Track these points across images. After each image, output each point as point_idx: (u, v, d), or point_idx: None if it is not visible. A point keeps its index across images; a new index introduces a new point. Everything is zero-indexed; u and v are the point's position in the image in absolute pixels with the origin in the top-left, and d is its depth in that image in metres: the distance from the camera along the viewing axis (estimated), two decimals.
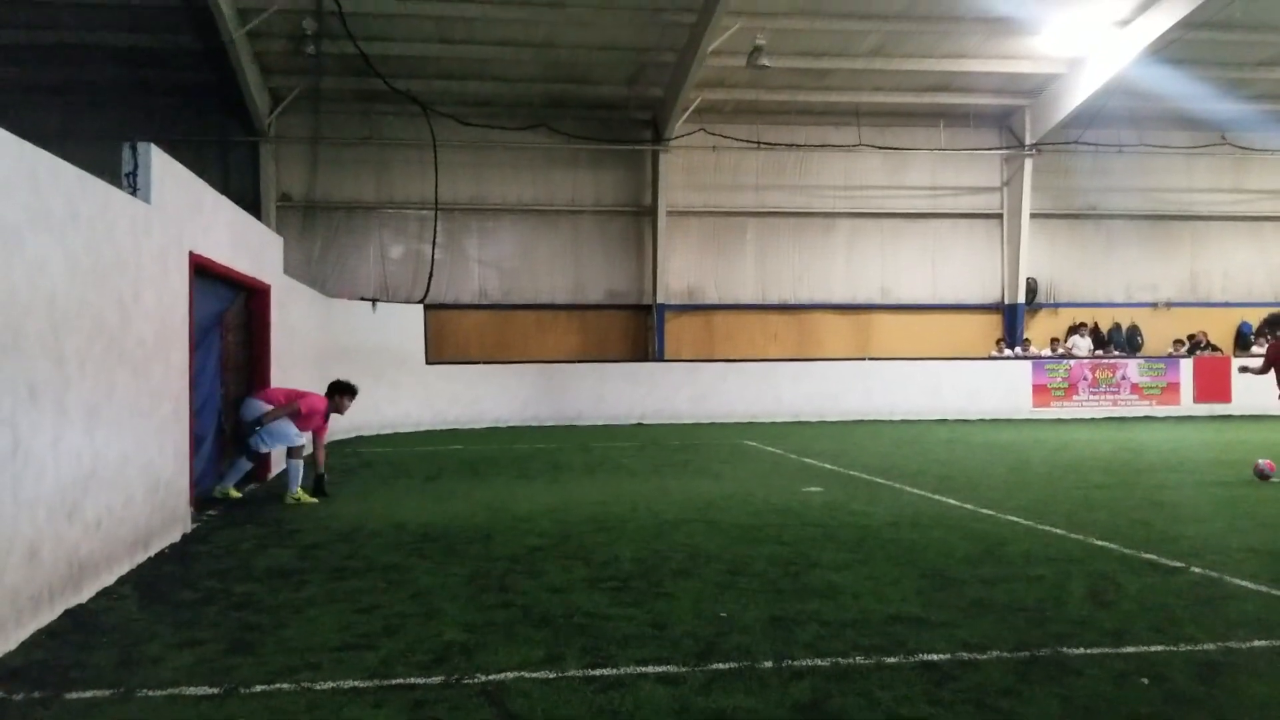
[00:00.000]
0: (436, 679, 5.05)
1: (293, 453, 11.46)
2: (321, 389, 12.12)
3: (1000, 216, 27.31)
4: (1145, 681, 4.95)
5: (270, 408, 11.35)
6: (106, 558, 7.09)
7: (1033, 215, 26.87)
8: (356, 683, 4.99)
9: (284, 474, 11.55)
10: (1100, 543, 8.36)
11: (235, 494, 11.28)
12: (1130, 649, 5.47)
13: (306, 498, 11.20)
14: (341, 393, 11.92)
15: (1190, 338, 26.50)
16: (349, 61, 21.71)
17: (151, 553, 8.11)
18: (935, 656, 5.34)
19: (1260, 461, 12.42)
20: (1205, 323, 27.31)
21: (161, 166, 8.53)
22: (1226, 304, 27.98)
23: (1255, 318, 27.35)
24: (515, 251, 25.72)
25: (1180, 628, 5.87)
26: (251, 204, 22.31)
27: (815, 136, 26.36)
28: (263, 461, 12.26)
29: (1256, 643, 5.57)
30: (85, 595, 6.66)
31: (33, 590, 5.88)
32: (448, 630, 5.86)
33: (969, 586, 6.88)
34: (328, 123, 24.31)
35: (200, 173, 10.05)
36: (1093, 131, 26.20)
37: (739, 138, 25.83)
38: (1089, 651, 5.43)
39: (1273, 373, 12.80)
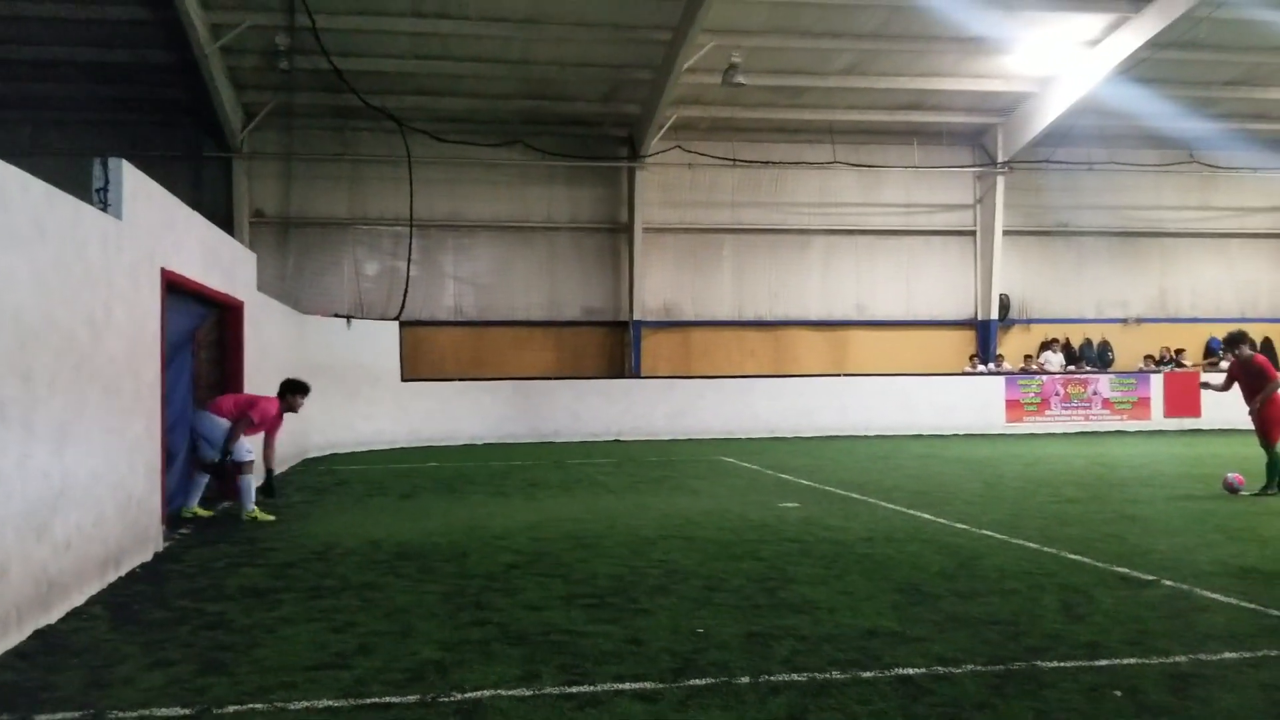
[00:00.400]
0: (412, 698, 5.02)
1: (243, 468, 11.27)
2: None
3: (973, 233, 27.51)
4: (1118, 694, 4.98)
5: (226, 422, 11.19)
6: (76, 577, 7.02)
7: (1005, 232, 27.08)
8: (331, 702, 4.96)
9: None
10: (1073, 556, 8.41)
11: (204, 513, 11.16)
12: (1103, 662, 5.51)
13: (263, 515, 11.11)
14: (294, 391, 11.76)
15: (1178, 352, 26.73)
16: (323, 77, 21.67)
17: (123, 572, 8.03)
18: (911, 671, 5.35)
19: (1229, 475, 12.53)
20: (1174, 338, 27.58)
21: (133, 182, 8.49)
22: (1195, 319, 28.26)
23: (1223, 333, 27.62)
24: (491, 268, 25.69)
25: (1152, 640, 5.91)
26: (224, 220, 22.19)
27: (790, 154, 26.50)
28: (222, 476, 12.00)
29: (1227, 655, 5.62)
30: (55, 615, 6.58)
31: (1, 611, 5.81)
32: (423, 649, 5.83)
33: (944, 601, 6.91)
34: (301, 139, 24.24)
35: (172, 189, 10.01)
36: (1064, 149, 26.46)
37: (715, 155, 25.93)
38: (1063, 665, 5.46)
39: (1237, 388, 12.92)
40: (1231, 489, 12.31)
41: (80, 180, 7.89)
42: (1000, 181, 26.77)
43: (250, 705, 4.94)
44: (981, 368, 26.08)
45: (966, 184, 27.48)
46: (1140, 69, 22.47)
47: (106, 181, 8.15)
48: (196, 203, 13.73)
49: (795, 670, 5.38)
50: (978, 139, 27.15)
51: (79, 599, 7.04)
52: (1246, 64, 23.88)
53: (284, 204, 24.40)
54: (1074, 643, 5.87)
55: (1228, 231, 28.59)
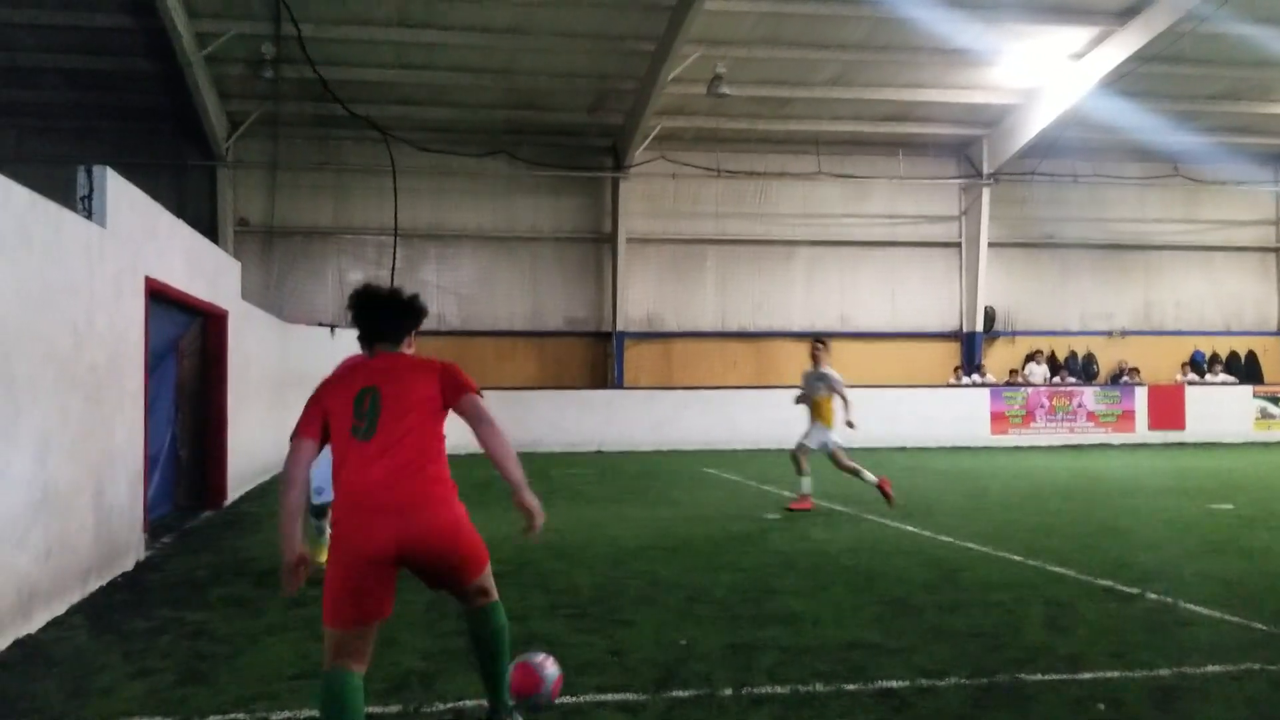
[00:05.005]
0: (394, 708, 5.00)
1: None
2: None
3: (958, 245, 27.58)
4: (1101, 707, 4.99)
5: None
6: (57, 586, 6.97)
7: (990, 244, 27.14)
8: (313, 713, 4.92)
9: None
10: (1057, 569, 8.42)
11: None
12: (1087, 675, 5.51)
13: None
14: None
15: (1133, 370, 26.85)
16: (308, 86, 21.62)
17: (104, 581, 7.98)
18: (894, 683, 5.35)
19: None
20: (1158, 351, 27.69)
21: (117, 190, 8.45)
22: (1179, 333, 28.37)
23: (1207, 346, 27.82)
24: (474, 278, 25.64)
25: (1136, 653, 5.92)
26: (208, 229, 22.09)
27: (775, 165, 26.53)
28: None
29: (1210, 668, 5.63)
30: (35, 625, 6.53)
31: None
32: (405, 658, 5.80)
33: (927, 613, 6.91)
34: (286, 148, 24.16)
35: (156, 197, 9.97)
36: (1049, 162, 26.55)
37: (699, 165, 25.97)
38: (1046, 678, 5.46)
39: None
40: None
41: (64, 187, 7.86)
42: (986, 193, 26.85)
43: (232, 715, 4.91)
44: (966, 380, 26.14)
45: (952, 196, 27.57)
46: (1125, 82, 22.57)
47: (91, 189, 8.12)
48: (180, 211, 13.63)
49: (778, 682, 5.37)
50: (963, 151, 27.24)
51: (60, 608, 6.99)
52: (1231, 78, 24.02)
53: (268, 213, 24.31)
54: (1057, 655, 5.88)
55: (1212, 245, 28.71)
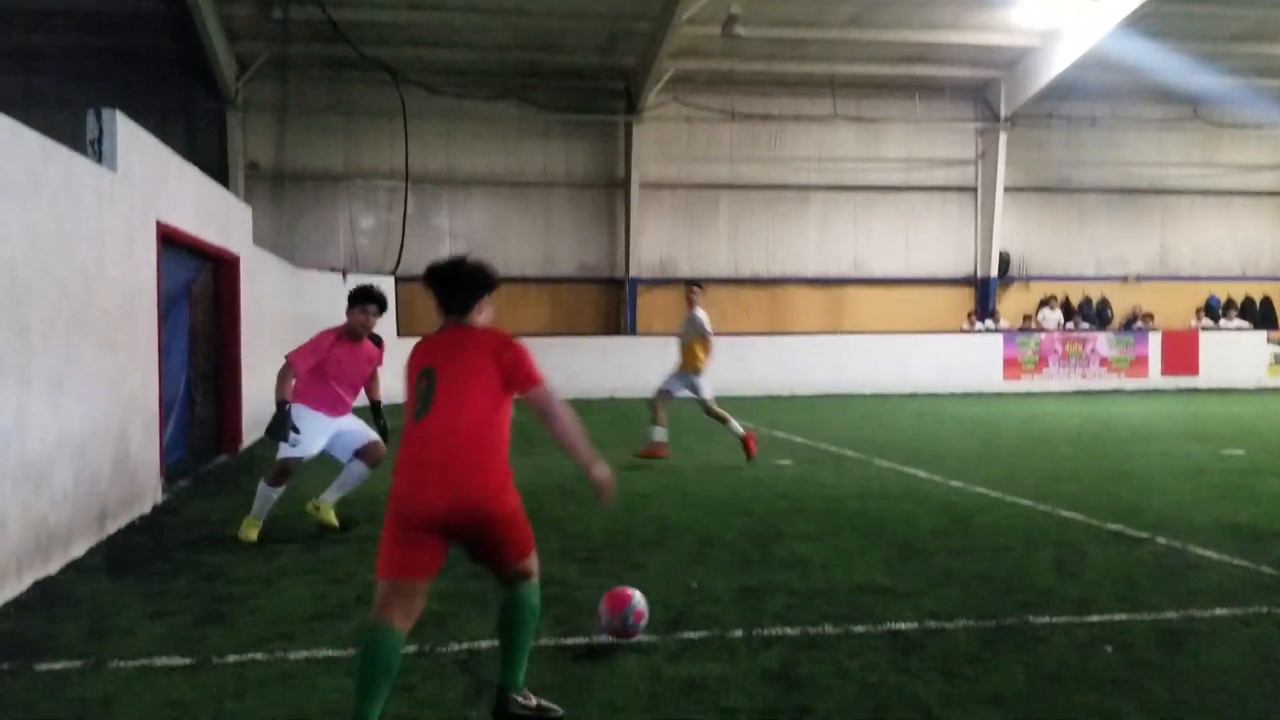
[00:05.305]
0: (411, 648, 5.04)
1: None
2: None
3: (974, 190, 27.34)
4: (1109, 649, 5.03)
5: None
6: (75, 529, 7.05)
7: (1006, 189, 26.90)
8: (330, 652, 5.01)
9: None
10: (1067, 514, 8.45)
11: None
12: (1095, 617, 5.55)
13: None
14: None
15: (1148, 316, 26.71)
16: (317, 28, 21.41)
17: (121, 524, 8.07)
18: (902, 625, 5.40)
19: None
20: (1174, 296, 27.52)
21: (127, 134, 8.43)
22: (1195, 278, 28.16)
23: (1223, 292, 27.63)
24: (486, 223, 25.55)
25: (1144, 597, 5.96)
26: (218, 173, 21.99)
27: (789, 108, 26.28)
28: None
29: (1218, 611, 5.67)
30: (54, 567, 6.62)
31: (0, 562, 5.85)
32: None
33: (937, 557, 6.95)
34: (296, 90, 23.97)
35: (165, 140, 9.94)
36: (1067, 104, 26.25)
37: (713, 108, 25.73)
38: (1054, 620, 5.50)
39: None
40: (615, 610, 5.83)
41: (74, 131, 7.84)
42: (1003, 137, 26.55)
43: (250, 655, 4.99)
44: (980, 325, 26.04)
45: (968, 139, 27.28)
46: (1146, 23, 22.20)
47: (101, 132, 8.10)
48: (190, 154, 13.54)
49: (787, 624, 5.42)
50: (980, 93, 26.91)
51: (78, 550, 7.08)
52: (1254, 18, 23.59)
53: (279, 157, 24.19)
54: (1066, 598, 5.92)
55: (1230, 189, 28.40)
